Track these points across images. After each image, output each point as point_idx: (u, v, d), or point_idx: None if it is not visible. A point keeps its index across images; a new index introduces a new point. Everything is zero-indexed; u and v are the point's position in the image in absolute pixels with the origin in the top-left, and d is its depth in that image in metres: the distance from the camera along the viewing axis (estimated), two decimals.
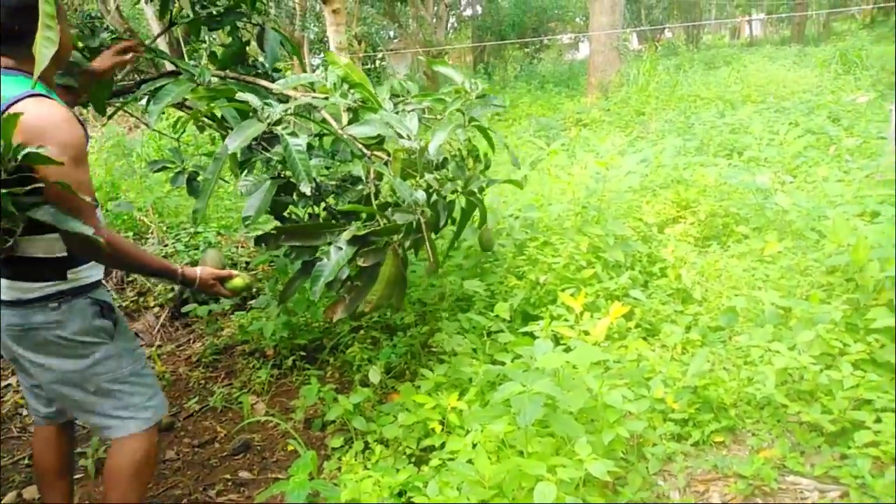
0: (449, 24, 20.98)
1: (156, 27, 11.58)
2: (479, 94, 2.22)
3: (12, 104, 1.51)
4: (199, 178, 2.90)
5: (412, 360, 3.04)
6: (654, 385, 2.23)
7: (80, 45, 2.22)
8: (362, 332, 3.32)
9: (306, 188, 1.86)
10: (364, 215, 2.05)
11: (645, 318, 2.83)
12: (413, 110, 2.26)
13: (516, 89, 13.76)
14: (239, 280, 2.01)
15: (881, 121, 5.66)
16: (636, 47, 21.15)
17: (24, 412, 3.24)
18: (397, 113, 2.23)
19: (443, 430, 2.22)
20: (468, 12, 22.74)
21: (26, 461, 2.82)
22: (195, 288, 1.94)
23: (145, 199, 5.42)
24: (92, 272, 1.85)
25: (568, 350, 2.07)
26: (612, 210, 3.40)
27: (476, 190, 2.33)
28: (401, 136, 2.06)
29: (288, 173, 2.13)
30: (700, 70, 12.21)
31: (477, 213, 2.49)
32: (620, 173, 3.64)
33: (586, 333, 2.35)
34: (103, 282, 1.95)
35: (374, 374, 2.67)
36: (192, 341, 3.93)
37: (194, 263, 4.24)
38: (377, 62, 17.69)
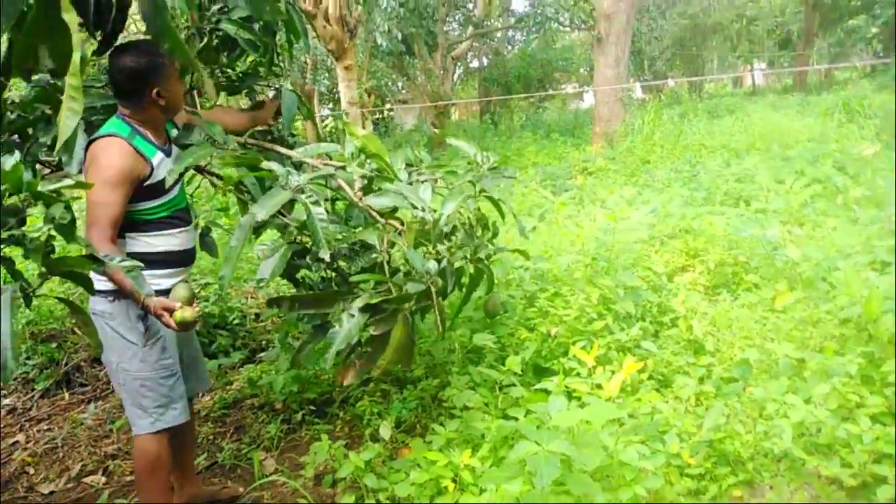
0: (456, 76, 21.41)
1: None
2: (491, 166, 2.30)
3: (97, 139, 2.05)
4: (212, 234, 2.95)
5: (423, 413, 3.01)
6: (669, 439, 2.20)
7: (98, 105, 2.33)
8: (372, 385, 3.30)
9: (326, 255, 1.97)
10: (374, 282, 2.12)
11: (657, 369, 2.81)
12: (426, 181, 2.35)
13: (522, 138, 13.96)
14: (185, 313, 2.00)
15: (888, 170, 5.69)
16: (640, 97, 21.51)
17: (32, 471, 3.21)
18: (411, 183, 2.33)
19: (456, 487, 2.18)
20: (474, 64, 23.23)
21: None
22: (149, 312, 2.09)
23: None
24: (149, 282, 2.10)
25: (582, 406, 2.05)
26: (622, 260, 3.41)
27: (484, 257, 2.40)
28: (415, 207, 2.13)
29: (303, 238, 2.27)
30: (704, 119, 12.36)
31: (485, 279, 2.54)
32: (629, 224, 3.66)
33: (599, 387, 2.33)
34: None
35: (385, 430, 2.64)
36: (201, 395, 3.90)
37: (206, 316, 4.28)
38: (386, 113, 18.03)
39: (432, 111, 16.05)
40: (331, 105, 17.22)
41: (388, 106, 17.92)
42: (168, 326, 2.02)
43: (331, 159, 2.40)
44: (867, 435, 2.05)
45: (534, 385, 2.79)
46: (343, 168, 2.25)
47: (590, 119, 14.27)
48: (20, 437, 3.55)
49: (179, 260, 2.31)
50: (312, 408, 3.33)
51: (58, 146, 1.47)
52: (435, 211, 2.11)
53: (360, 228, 2.40)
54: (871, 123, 8.68)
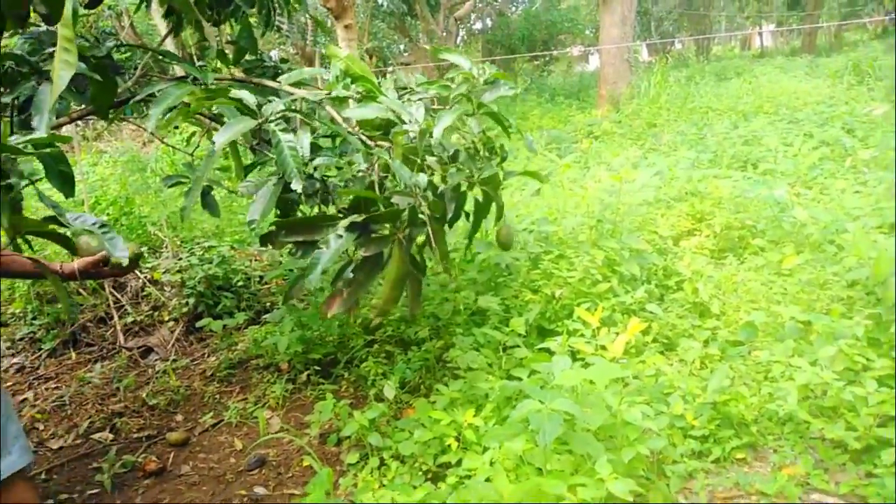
0: (458, 38, 21.07)
1: (169, 43, 11.71)
2: (488, 79, 2.13)
3: None
4: (214, 193, 2.91)
5: (427, 374, 3.02)
6: (673, 401, 2.20)
7: (87, 54, 2.21)
8: (376, 346, 3.31)
9: (298, 185, 1.79)
10: (364, 204, 1.96)
11: (662, 332, 2.81)
12: (420, 99, 2.17)
13: (526, 102, 13.78)
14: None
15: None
16: (646, 59, 21.15)
17: (42, 426, 3.25)
18: (403, 102, 2.15)
19: (459, 446, 2.20)
20: (478, 26, 22.84)
21: (43, 476, 2.82)
22: (78, 279, 1.92)
23: (159, 213, 5.45)
24: None
25: (586, 366, 2.05)
26: (627, 223, 3.39)
27: (490, 180, 2.23)
28: (403, 122, 1.98)
29: None
30: (711, 81, 12.18)
31: (493, 207, 2.39)
32: (634, 186, 3.62)
33: (604, 349, 2.33)
34: None
35: (389, 390, 2.65)
36: (206, 356, 3.93)
37: (210, 278, 4.28)
38: (388, 76, 17.79)
39: (435, 72, 15.83)
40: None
41: (390, 68, 17.66)
42: (106, 276, 1.90)
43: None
44: (873, 398, 2.05)
45: (537, 346, 2.79)
46: (327, 94, 2.11)
47: (595, 82, 14.05)
48: (29, 395, 3.58)
49: None
50: (317, 368, 3.34)
51: (51, 100, 1.42)
52: (423, 123, 1.95)
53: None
54: (881, 85, 8.54)
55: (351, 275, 2.00)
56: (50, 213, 1.51)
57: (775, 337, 2.62)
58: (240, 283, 4.39)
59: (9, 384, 3.74)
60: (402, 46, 20.56)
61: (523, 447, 1.81)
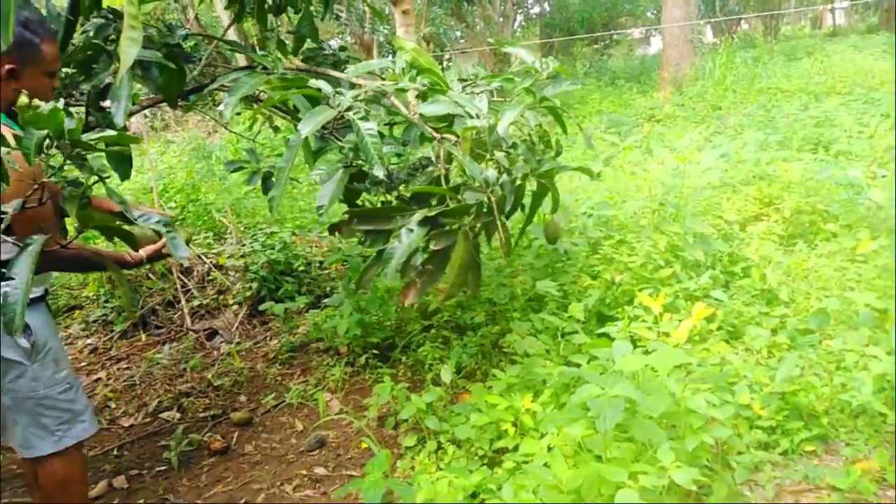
0: (516, 23, 20.83)
1: (232, 34, 11.98)
2: (551, 73, 2.15)
3: None
4: (274, 178, 2.97)
5: (483, 360, 3.01)
6: (739, 390, 2.13)
7: (160, 42, 2.28)
8: (433, 331, 3.33)
9: (380, 171, 1.82)
10: (434, 199, 2.03)
11: (727, 319, 2.71)
12: (482, 92, 2.20)
13: (586, 86, 13.53)
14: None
15: None
16: (711, 40, 20.43)
17: (114, 405, 3.39)
18: (467, 95, 2.17)
19: (516, 431, 2.18)
20: (536, 10, 22.52)
21: (115, 452, 2.95)
22: (145, 264, 2.12)
23: (224, 200, 5.60)
24: None
25: (647, 352, 2.00)
26: (691, 207, 3.28)
27: (546, 172, 2.24)
28: (470, 117, 2.00)
29: (360, 162, 2.13)
30: (780, 62, 11.66)
31: (549, 199, 2.39)
32: (699, 169, 3.51)
33: (666, 335, 2.27)
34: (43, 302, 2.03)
35: (446, 374, 2.66)
36: (268, 338, 4.02)
37: (272, 263, 4.39)
38: (445, 62, 17.75)
39: (492, 58, 15.72)
40: (390, 57, 17.06)
41: (447, 54, 17.62)
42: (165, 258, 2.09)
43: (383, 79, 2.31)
44: None
45: (595, 330, 2.74)
46: (395, 84, 2.14)
47: (657, 64, 13.68)
48: (101, 375, 3.75)
49: None
50: (375, 352, 3.38)
51: (119, 77, 1.46)
52: (491, 118, 1.97)
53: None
54: None
55: (421, 265, 2.04)
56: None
57: (848, 325, 2.50)
58: (301, 268, 4.48)
59: (83, 364, 3.92)
60: (458, 32, 20.48)
61: (582, 433, 1.78)
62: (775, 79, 9.39)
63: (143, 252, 2.06)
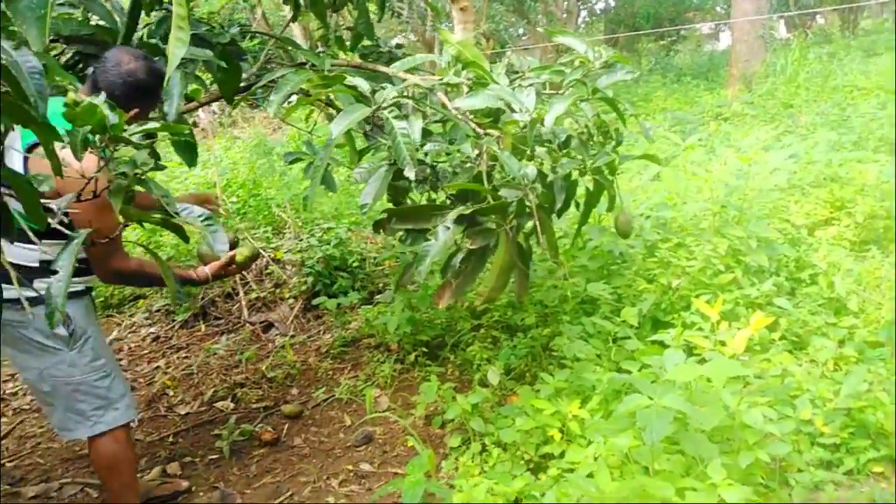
0: (580, 20, 20.51)
1: (297, 31, 12.20)
2: (605, 63, 2.05)
3: None
4: (335, 173, 2.99)
5: (532, 362, 2.97)
6: (800, 405, 2.02)
7: (214, 41, 2.33)
8: (483, 330, 3.30)
9: (410, 172, 1.82)
10: (472, 195, 1.98)
11: (791, 329, 2.59)
12: (531, 85, 2.11)
13: (650, 83, 13.20)
14: (245, 251, 2.19)
15: None
16: (784, 36, 19.62)
17: (172, 393, 3.50)
18: (513, 89, 2.10)
19: (563, 438, 2.13)
20: (600, 6, 22.12)
21: (171, 438, 3.04)
22: (211, 282, 2.18)
23: (283, 195, 5.70)
24: None
25: (702, 362, 1.92)
26: (756, 210, 3.14)
27: (604, 168, 2.15)
28: (513, 111, 1.93)
29: None
30: (858, 58, 11.09)
31: (605, 194, 2.31)
32: (765, 170, 3.35)
33: (723, 344, 2.17)
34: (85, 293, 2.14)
35: (494, 375, 2.63)
36: (322, 332, 4.07)
37: (328, 258, 4.44)
38: (506, 60, 17.62)
39: (554, 55, 15.52)
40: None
41: (507, 51, 17.51)
42: (233, 274, 2.21)
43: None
44: None
45: (648, 336, 2.66)
46: (439, 80, 2.11)
47: (726, 61, 13.23)
48: (161, 363, 3.87)
49: None
50: (425, 350, 3.37)
51: (168, 76, 1.49)
52: (535, 113, 1.90)
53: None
54: None
55: (458, 265, 2.00)
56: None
57: None
58: (355, 264, 4.52)
59: (145, 352, 4.06)
60: (520, 30, 20.32)
61: (630, 444, 1.73)
62: (851, 76, 8.94)
63: (208, 269, 2.12)
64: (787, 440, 1.91)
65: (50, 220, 1.41)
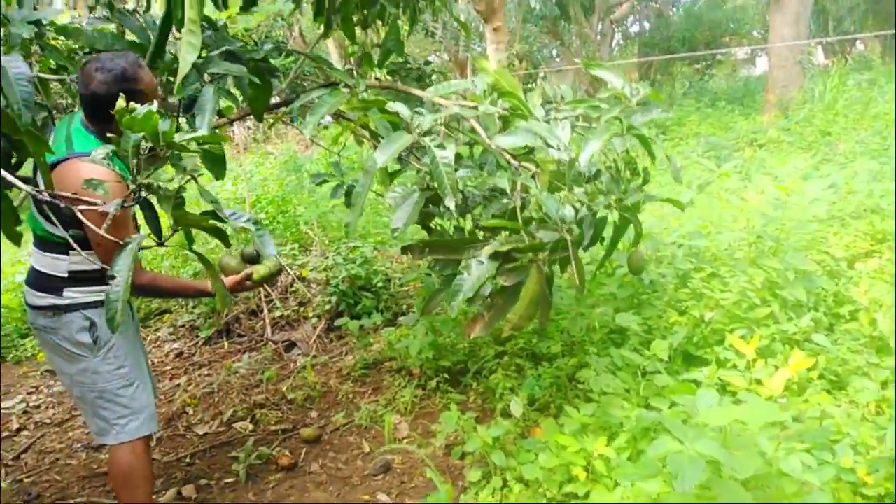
0: (614, 42, 20.44)
1: (333, 48, 12.34)
2: (641, 100, 2.03)
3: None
4: (351, 202, 2.97)
5: (557, 392, 2.88)
6: (841, 451, 1.90)
7: (247, 56, 2.33)
8: (506, 358, 3.22)
9: (451, 202, 1.81)
10: (506, 230, 1.96)
11: (830, 368, 2.46)
12: (566, 118, 2.11)
13: (684, 107, 13.04)
14: (262, 269, 2.11)
15: None
16: (822, 62, 19.31)
17: (191, 411, 3.47)
18: (548, 121, 2.10)
19: (588, 477, 2.04)
20: (635, 28, 22.04)
21: (188, 459, 3.00)
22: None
23: (312, 213, 5.71)
24: (91, 293, 2.05)
25: (737, 402, 1.82)
26: (793, 241, 3.02)
27: (631, 205, 2.13)
28: (550, 146, 1.93)
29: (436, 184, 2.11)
30: None
31: (631, 230, 2.27)
32: (804, 200, 3.24)
33: (759, 383, 2.07)
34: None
35: (516, 407, 2.54)
36: (344, 353, 4.03)
37: (353, 278, 4.40)
38: (538, 81, 17.63)
39: (587, 78, 15.45)
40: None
41: (540, 73, 17.48)
42: (251, 289, 2.18)
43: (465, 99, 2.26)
44: None
45: (681, 374, 2.56)
46: (474, 108, 2.09)
47: (762, 86, 13.03)
48: (183, 380, 3.85)
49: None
50: (447, 376, 3.30)
51: (178, 82, 1.46)
52: (573, 150, 1.89)
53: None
54: None
55: (490, 297, 1.97)
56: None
57: None
58: (380, 284, 4.48)
59: (167, 368, 4.05)
60: (553, 51, 20.33)
61: (659, 489, 1.63)
62: (892, 103, 8.71)
63: (226, 282, 2.09)
64: (826, 489, 1.79)
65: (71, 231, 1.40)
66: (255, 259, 2.16)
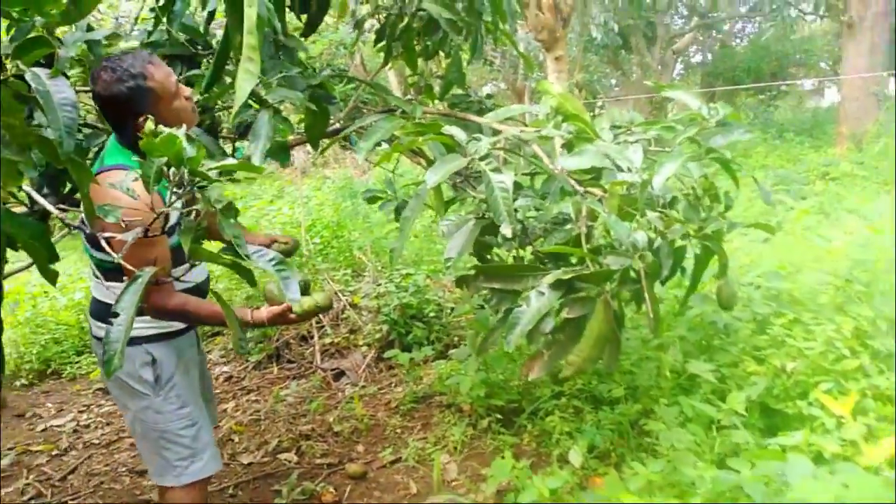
0: (675, 72, 20.11)
1: (394, 81, 12.46)
2: (721, 121, 1.86)
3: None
4: (398, 228, 2.87)
5: (620, 440, 2.68)
6: None
7: (305, 83, 2.27)
8: (564, 399, 3.03)
9: (507, 230, 1.65)
10: (573, 259, 1.80)
11: None
12: (637, 141, 1.94)
13: (750, 137, 12.63)
14: (306, 302, 1.93)
15: None
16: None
17: (237, 438, 3.39)
18: (618, 144, 1.94)
19: None
20: (697, 58, 21.67)
21: (231, 490, 2.91)
22: (267, 326, 2.08)
23: (366, 238, 5.66)
24: (152, 325, 1.94)
25: (831, 471, 1.61)
26: (883, 286, 2.77)
27: (713, 234, 1.94)
28: (620, 169, 1.78)
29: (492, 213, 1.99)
30: None
31: (715, 261, 2.08)
32: (892, 241, 2.98)
33: (853, 446, 1.84)
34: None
35: (575, 456, 2.36)
36: (393, 385, 3.91)
37: (404, 307, 4.30)
38: (597, 110, 17.45)
39: (647, 106, 15.20)
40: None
41: (599, 102, 17.29)
42: (293, 323, 2.00)
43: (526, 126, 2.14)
44: None
45: (758, 426, 2.33)
46: (536, 132, 1.96)
47: (832, 118, 12.53)
48: (230, 405, 3.79)
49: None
50: (499, 417, 3.13)
51: (234, 111, 1.38)
52: (645, 173, 1.72)
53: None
54: None
55: (551, 333, 1.80)
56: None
57: None
58: (431, 314, 4.36)
59: (217, 391, 4.00)
60: (613, 81, 20.13)
61: None
62: None
63: (265, 313, 1.93)
64: None
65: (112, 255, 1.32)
66: (304, 289, 2.04)
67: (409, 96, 3.20)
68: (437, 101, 3.06)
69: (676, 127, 1.91)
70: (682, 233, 1.79)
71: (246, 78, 1.31)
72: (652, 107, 15.52)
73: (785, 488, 1.62)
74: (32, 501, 2.95)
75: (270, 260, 1.31)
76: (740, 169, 1.93)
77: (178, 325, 2.05)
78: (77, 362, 4.64)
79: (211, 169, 1.28)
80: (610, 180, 1.84)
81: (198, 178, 1.27)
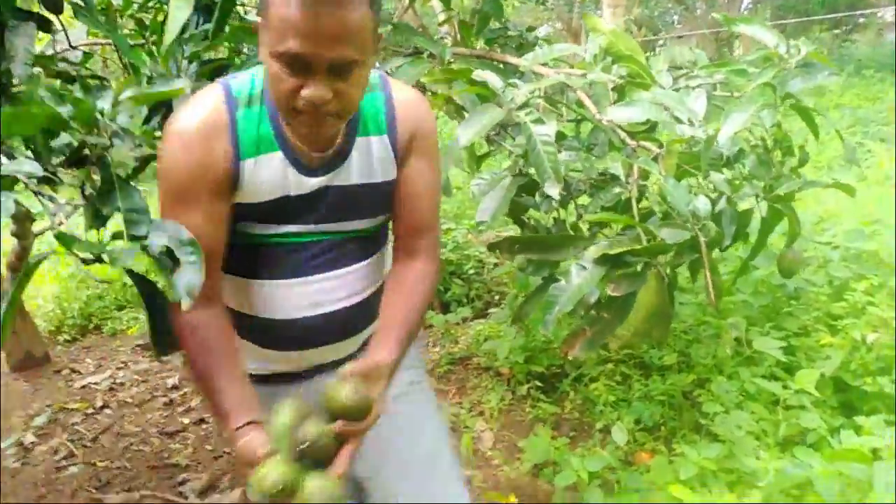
0: (743, 6, 18.85)
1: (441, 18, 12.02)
2: (802, 61, 1.55)
3: None
4: (454, 172, 2.66)
5: (670, 411, 2.45)
6: None
7: None
8: (610, 365, 2.80)
9: (553, 189, 1.46)
10: (619, 227, 1.56)
11: None
12: (700, 86, 1.68)
13: None
14: (268, 480, 0.88)
15: None
16: None
17: None
18: (677, 90, 1.68)
19: None
20: None
21: None
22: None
23: None
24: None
25: None
26: None
27: (784, 194, 1.66)
28: (679, 121, 1.51)
29: (531, 170, 1.72)
30: None
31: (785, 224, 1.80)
32: None
33: None
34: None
35: (619, 434, 2.14)
36: (430, 345, 3.73)
37: (444, 263, 4.10)
38: (657, 49, 16.56)
39: (712, 44, 14.30)
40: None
41: (660, 40, 16.37)
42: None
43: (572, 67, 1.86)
44: None
45: (830, 404, 2.06)
46: (583, 76, 1.69)
47: None
48: None
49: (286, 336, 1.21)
50: (539, 383, 2.92)
51: (163, 44, 1.14)
52: (710, 127, 1.46)
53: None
54: None
55: (595, 310, 1.57)
56: None
57: None
58: (472, 271, 4.15)
59: None
60: (675, 16, 19.05)
61: None
62: None
63: (248, 441, 0.99)
64: None
65: None
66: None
67: (440, 35, 2.91)
68: (472, 38, 2.79)
69: (749, 69, 1.61)
70: (751, 194, 1.51)
71: (180, 6, 1.07)
72: (718, 44, 14.60)
73: (867, 488, 1.37)
74: (64, 461, 2.93)
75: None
76: (821, 116, 1.62)
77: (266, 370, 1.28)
78: (118, 318, 4.63)
79: None
80: (665, 133, 1.57)
81: None
